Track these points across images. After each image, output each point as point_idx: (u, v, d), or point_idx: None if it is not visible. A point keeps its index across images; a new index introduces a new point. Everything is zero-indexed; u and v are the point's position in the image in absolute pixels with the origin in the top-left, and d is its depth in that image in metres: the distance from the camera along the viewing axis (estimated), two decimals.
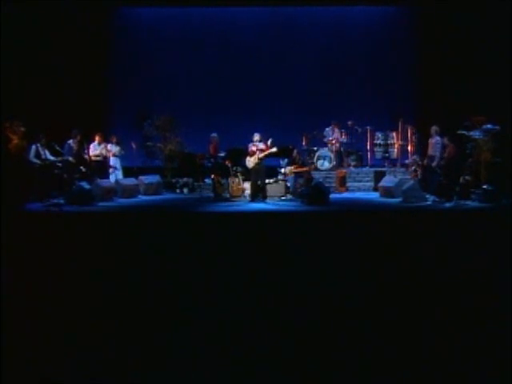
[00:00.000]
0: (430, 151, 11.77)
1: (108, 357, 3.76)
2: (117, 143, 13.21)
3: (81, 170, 12.00)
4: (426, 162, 12.04)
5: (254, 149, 11.34)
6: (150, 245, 6.96)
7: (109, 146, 13.01)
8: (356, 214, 9.94)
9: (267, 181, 11.91)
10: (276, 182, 12.16)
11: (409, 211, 10.02)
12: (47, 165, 11.36)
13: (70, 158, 11.88)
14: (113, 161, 13.11)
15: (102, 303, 4.82)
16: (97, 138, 12.61)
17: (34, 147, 11.27)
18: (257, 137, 11.42)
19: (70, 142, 12.14)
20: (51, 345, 3.94)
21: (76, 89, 14.07)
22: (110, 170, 13.08)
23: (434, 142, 11.67)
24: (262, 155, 11.27)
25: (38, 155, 11.31)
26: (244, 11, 16.10)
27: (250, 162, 11.35)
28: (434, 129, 11.78)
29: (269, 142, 11.37)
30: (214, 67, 15.88)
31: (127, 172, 13.49)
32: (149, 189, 12.86)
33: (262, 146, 11.33)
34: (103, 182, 11.96)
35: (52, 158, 11.55)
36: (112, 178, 12.87)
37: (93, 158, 12.42)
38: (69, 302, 4.80)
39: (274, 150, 11.33)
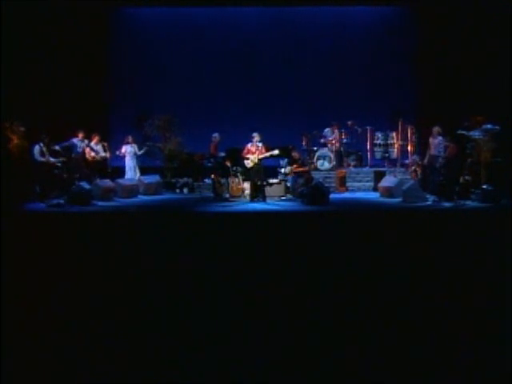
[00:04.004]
0: (433, 151, 11.78)
1: (108, 357, 3.76)
2: (132, 143, 13.29)
3: (83, 169, 12.06)
4: (426, 161, 12.05)
5: (252, 149, 11.32)
6: (150, 245, 6.96)
7: (124, 147, 13.19)
8: (356, 214, 9.94)
9: (270, 181, 11.94)
10: (277, 183, 12.15)
11: (409, 211, 10.01)
12: (49, 164, 11.36)
13: (71, 156, 11.93)
14: (128, 161, 13.22)
15: (102, 303, 4.82)
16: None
17: (37, 147, 11.26)
18: (256, 137, 11.41)
19: (75, 140, 12.14)
20: (51, 345, 3.94)
21: (76, 89, 14.07)
22: (126, 169, 13.27)
23: (437, 142, 11.68)
24: (262, 156, 11.27)
25: (42, 154, 11.32)
26: (244, 11, 16.10)
27: (249, 162, 11.34)
28: (436, 129, 11.79)
29: (261, 145, 11.35)
30: (214, 67, 15.88)
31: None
32: (149, 189, 12.87)
33: (260, 145, 11.31)
34: (103, 182, 11.96)
35: (53, 159, 11.53)
36: (128, 176, 13.13)
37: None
38: (69, 302, 4.80)
39: (276, 152, 11.35)
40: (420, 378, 3.51)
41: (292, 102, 15.65)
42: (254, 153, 11.28)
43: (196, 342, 4.02)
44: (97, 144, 12.67)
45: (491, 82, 12.89)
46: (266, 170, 11.64)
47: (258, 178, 11.40)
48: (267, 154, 11.30)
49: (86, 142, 12.35)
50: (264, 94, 15.65)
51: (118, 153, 13.25)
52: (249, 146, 11.39)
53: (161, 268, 5.89)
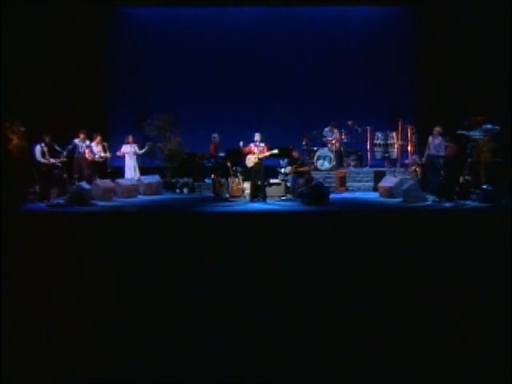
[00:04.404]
0: (432, 151, 11.76)
1: (107, 357, 3.76)
2: (133, 143, 13.28)
3: (84, 169, 12.06)
4: (424, 160, 12.03)
5: (254, 149, 11.31)
6: (150, 245, 6.96)
7: (124, 147, 13.20)
8: (356, 213, 9.94)
9: (271, 181, 11.95)
10: (276, 184, 12.14)
11: (409, 211, 10.01)
12: (49, 165, 11.34)
13: (72, 156, 11.92)
14: (128, 161, 13.22)
15: (102, 303, 4.82)
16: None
17: (38, 147, 11.24)
18: (257, 137, 11.41)
19: (77, 140, 12.12)
20: (51, 345, 3.94)
21: (76, 89, 14.07)
22: (126, 169, 13.24)
23: (437, 142, 11.66)
24: (262, 156, 11.27)
25: (43, 155, 11.29)
26: (244, 11, 16.10)
27: (250, 161, 11.34)
28: (437, 129, 11.76)
29: (263, 145, 11.37)
30: (214, 67, 15.87)
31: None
32: (149, 189, 12.87)
33: (262, 146, 11.31)
34: (103, 182, 11.97)
35: (54, 159, 11.51)
36: (127, 176, 13.12)
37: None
38: (69, 302, 4.80)
39: (276, 151, 11.34)
40: (420, 378, 3.51)
41: (292, 102, 15.64)
42: (256, 153, 11.27)
43: (196, 341, 4.02)
44: (98, 144, 12.66)
45: (491, 81, 12.89)
46: (266, 170, 11.64)
47: (258, 178, 11.40)
48: (267, 154, 11.30)
49: (87, 142, 12.34)
50: (264, 94, 15.63)
51: (118, 153, 13.22)
52: (252, 145, 11.37)
53: (161, 268, 5.89)
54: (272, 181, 12.15)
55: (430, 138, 11.84)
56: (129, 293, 5.13)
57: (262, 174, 11.43)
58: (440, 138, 11.67)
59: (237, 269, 5.83)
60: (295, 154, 12.67)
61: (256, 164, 11.28)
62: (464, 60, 13.71)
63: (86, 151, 12.34)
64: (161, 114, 14.01)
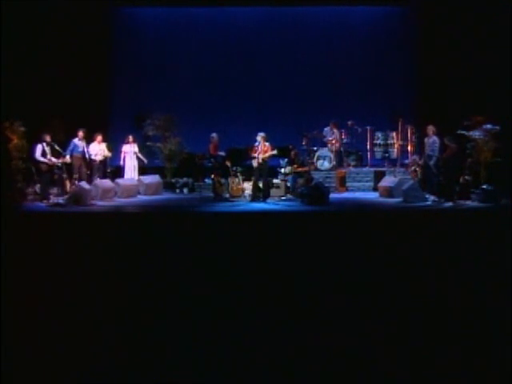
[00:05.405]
0: (428, 150, 11.76)
1: (108, 357, 3.76)
2: (133, 143, 13.24)
3: (83, 169, 12.03)
4: (422, 160, 12.03)
5: (258, 149, 11.32)
6: (150, 245, 6.96)
7: (124, 147, 13.16)
8: (356, 214, 9.94)
9: (275, 180, 11.97)
10: (277, 187, 12.14)
11: (409, 211, 10.01)
12: (49, 164, 11.32)
13: (71, 156, 11.89)
14: (128, 161, 13.18)
15: (102, 303, 4.82)
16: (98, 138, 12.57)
17: (40, 146, 11.21)
18: (258, 137, 11.41)
19: (76, 140, 12.10)
20: (51, 345, 3.94)
21: (76, 89, 14.07)
22: (126, 169, 13.18)
23: (431, 141, 11.64)
24: (263, 156, 11.28)
25: (43, 154, 11.28)
26: (244, 11, 16.10)
27: (254, 161, 11.39)
28: (430, 128, 11.74)
29: (267, 144, 11.39)
30: (214, 67, 15.86)
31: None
32: (149, 189, 12.86)
33: (267, 145, 11.32)
34: (103, 182, 11.96)
35: (54, 159, 11.49)
36: (127, 176, 13.07)
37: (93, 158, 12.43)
38: (69, 302, 4.80)
39: (275, 152, 11.38)
40: (420, 378, 3.51)
41: (292, 102, 15.64)
42: (260, 152, 11.27)
43: (196, 341, 4.02)
44: (99, 144, 12.61)
45: (491, 81, 12.88)
46: (268, 169, 11.65)
47: (260, 178, 11.39)
48: (267, 155, 11.32)
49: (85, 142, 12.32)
50: (264, 94, 15.64)
51: (122, 156, 13.19)
52: (256, 145, 11.38)
53: (161, 268, 5.89)
54: (275, 181, 12.18)
55: (426, 138, 11.85)
56: (129, 293, 5.13)
57: (265, 174, 11.44)
58: (434, 137, 11.63)
59: (237, 269, 5.84)
60: (293, 154, 12.67)
61: (260, 164, 11.29)
62: (464, 60, 13.70)
63: (86, 151, 12.34)
64: (161, 113, 14.01)
